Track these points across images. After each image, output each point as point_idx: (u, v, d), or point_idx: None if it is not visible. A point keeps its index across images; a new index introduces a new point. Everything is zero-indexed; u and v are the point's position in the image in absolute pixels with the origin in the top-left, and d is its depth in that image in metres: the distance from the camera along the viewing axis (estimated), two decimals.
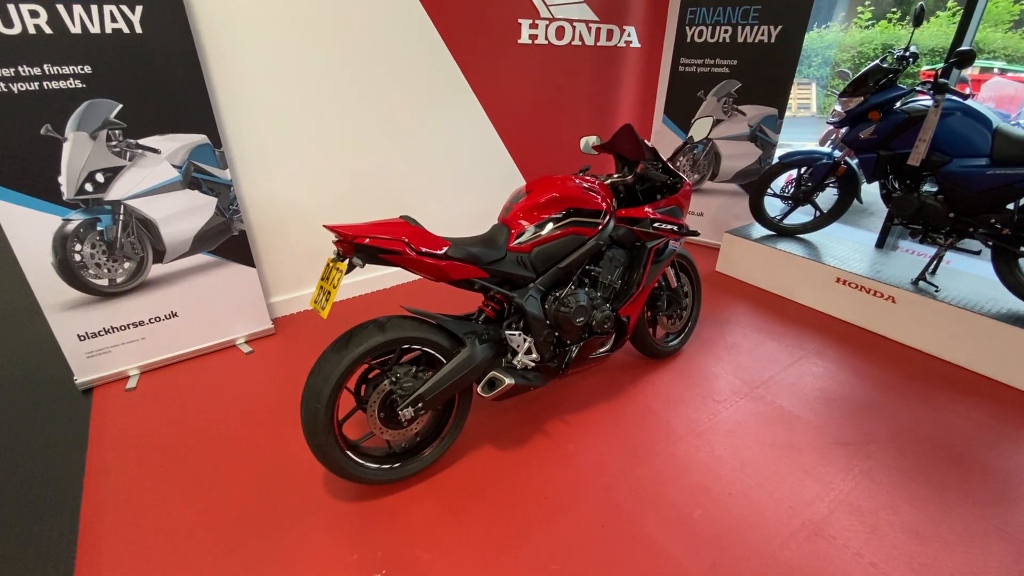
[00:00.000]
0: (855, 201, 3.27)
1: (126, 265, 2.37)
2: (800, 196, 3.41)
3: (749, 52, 3.61)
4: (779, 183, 3.58)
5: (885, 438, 2.17)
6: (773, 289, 3.46)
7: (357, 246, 1.61)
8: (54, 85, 2.02)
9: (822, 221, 3.46)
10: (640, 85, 4.26)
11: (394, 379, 1.75)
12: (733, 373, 2.59)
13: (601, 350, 2.21)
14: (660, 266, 2.27)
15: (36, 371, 2.59)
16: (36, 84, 1.99)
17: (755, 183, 3.48)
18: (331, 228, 1.61)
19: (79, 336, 2.35)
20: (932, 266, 2.87)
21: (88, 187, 2.20)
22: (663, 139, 4.18)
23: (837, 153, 3.16)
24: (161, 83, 2.22)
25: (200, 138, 2.38)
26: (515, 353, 1.96)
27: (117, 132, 2.19)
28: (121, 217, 2.30)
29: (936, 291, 2.77)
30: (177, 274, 2.52)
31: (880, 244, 3.44)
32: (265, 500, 1.85)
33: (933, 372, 2.63)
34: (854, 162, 3.14)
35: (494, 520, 1.78)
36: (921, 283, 2.84)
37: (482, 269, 1.84)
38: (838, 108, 3.00)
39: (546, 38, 3.51)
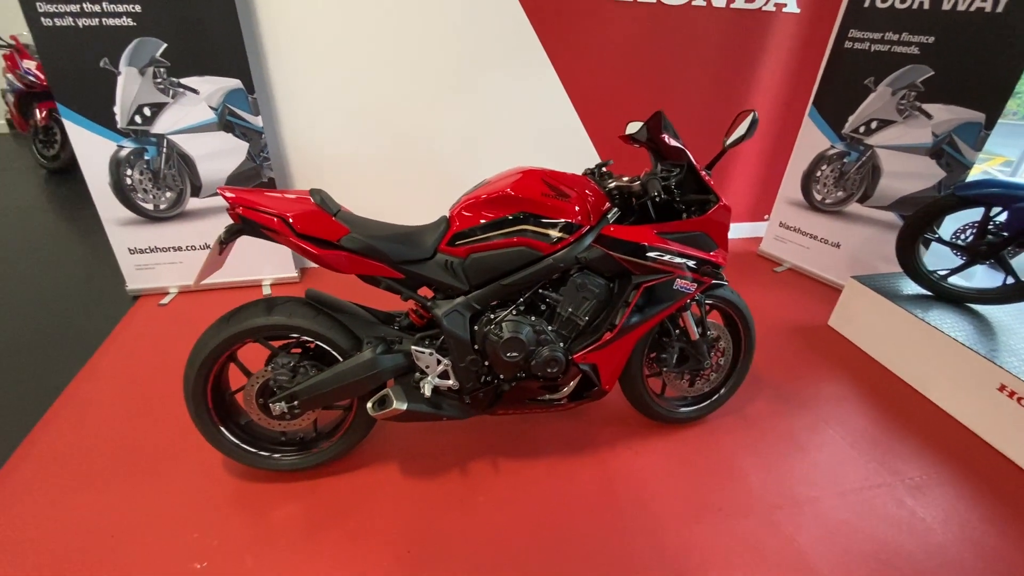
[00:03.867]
0: None
1: (168, 194, 2.60)
2: (982, 249, 2.28)
3: (955, 26, 2.45)
4: (954, 224, 2.45)
5: None
6: (897, 371, 2.43)
7: (241, 216, 1.45)
8: (110, 22, 2.21)
9: (1014, 293, 2.28)
10: (793, 65, 3.27)
11: (270, 368, 1.59)
12: (762, 476, 1.87)
13: (548, 397, 1.75)
14: (658, 310, 1.68)
15: (104, 274, 3.03)
16: (96, 20, 2.20)
17: (911, 217, 2.43)
18: (222, 192, 1.46)
19: (129, 249, 2.68)
20: None
21: (137, 119, 2.42)
22: (804, 140, 3.19)
23: None
24: (200, 25, 2.30)
25: (235, 83, 2.43)
26: (424, 374, 1.63)
27: (162, 70, 2.35)
28: (164, 150, 2.50)
29: None
30: (212, 210, 2.69)
31: None
32: (180, 443, 1.87)
33: None
34: None
35: (341, 555, 1.54)
36: None
37: (392, 268, 1.53)
38: None
39: None
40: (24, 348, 2.37)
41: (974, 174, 2.57)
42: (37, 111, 4.28)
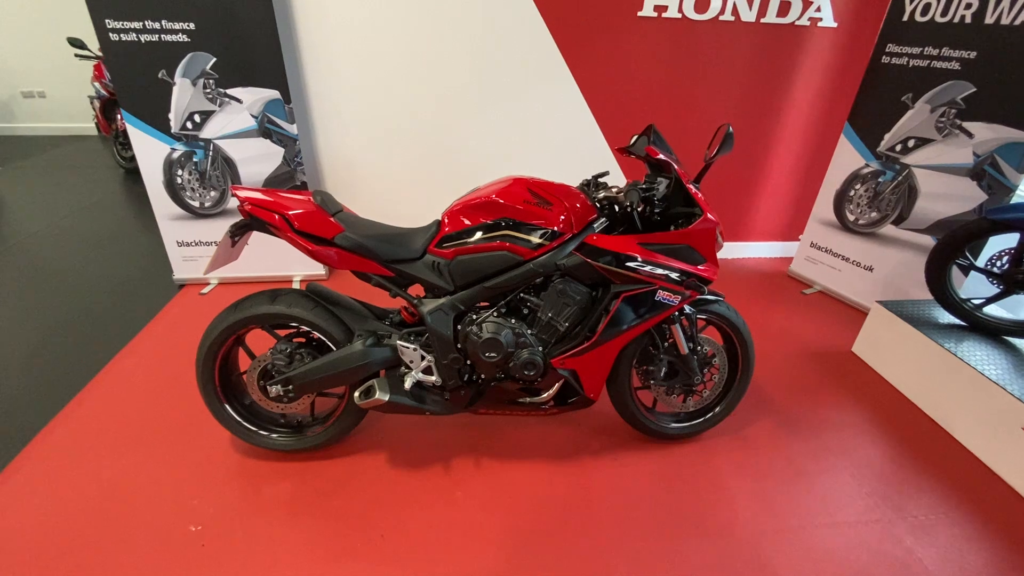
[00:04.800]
0: None
1: (212, 193, 2.85)
2: (1019, 277, 2.11)
3: (999, 40, 2.31)
4: (993, 250, 2.28)
5: None
6: (920, 403, 2.29)
7: (249, 213, 1.60)
8: (168, 38, 2.48)
9: None
10: (830, 81, 3.16)
11: (270, 353, 1.72)
12: (750, 498, 1.82)
13: (530, 400, 1.78)
14: (639, 321, 1.68)
15: (157, 264, 3.33)
16: (156, 36, 2.47)
17: (941, 241, 2.29)
18: (234, 191, 1.62)
19: (177, 242, 2.96)
20: None
21: (189, 125, 2.68)
22: (839, 158, 3.06)
23: None
24: (245, 41, 2.53)
25: (273, 93, 2.65)
26: (409, 368, 1.72)
27: (211, 81, 2.60)
28: (210, 153, 2.76)
29: None
30: None
31: None
32: (196, 420, 2.05)
33: None
34: None
35: (319, 534, 1.64)
36: None
37: (382, 265, 1.64)
38: None
39: (680, 10, 2.84)
40: (77, 325, 2.66)
41: None
42: (118, 116, 4.79)
